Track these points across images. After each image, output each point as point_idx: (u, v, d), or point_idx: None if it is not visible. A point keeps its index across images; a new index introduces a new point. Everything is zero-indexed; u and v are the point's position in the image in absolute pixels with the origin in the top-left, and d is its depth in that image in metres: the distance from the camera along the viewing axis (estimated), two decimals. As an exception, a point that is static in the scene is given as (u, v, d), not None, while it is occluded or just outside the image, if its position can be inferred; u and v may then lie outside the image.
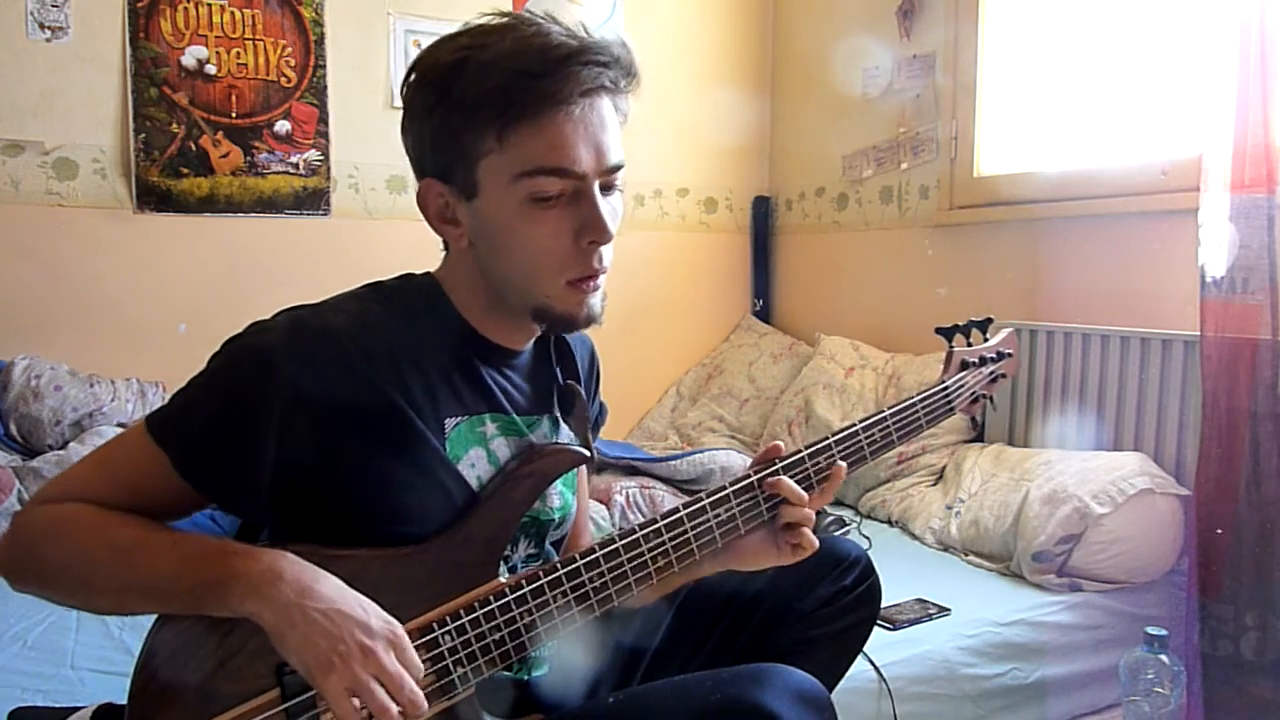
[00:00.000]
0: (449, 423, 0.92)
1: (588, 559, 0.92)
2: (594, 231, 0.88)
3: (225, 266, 2.56)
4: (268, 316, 0.89)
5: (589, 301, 0.92)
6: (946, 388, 1.16)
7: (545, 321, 0.94)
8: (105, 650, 1.50)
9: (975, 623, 1.70)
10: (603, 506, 2.17)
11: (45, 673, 1.42)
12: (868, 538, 2.18)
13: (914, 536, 2.20)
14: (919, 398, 1.12)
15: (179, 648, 0.81)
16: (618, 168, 0.90)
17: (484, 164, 0.87)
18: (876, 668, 1.52)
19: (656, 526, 0.95)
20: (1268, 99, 1.67)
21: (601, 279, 0.93)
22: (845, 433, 1.06)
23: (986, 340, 1.24)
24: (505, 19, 0.88)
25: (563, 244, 0.88)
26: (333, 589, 0.80)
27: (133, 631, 1.55)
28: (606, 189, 0.90)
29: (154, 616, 0.85)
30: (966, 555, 2.05)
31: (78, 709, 1.09)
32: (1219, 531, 1.75)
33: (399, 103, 0.93)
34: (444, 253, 0.99)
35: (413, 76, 0.89)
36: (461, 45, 0.86)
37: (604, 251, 0.91)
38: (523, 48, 0.84)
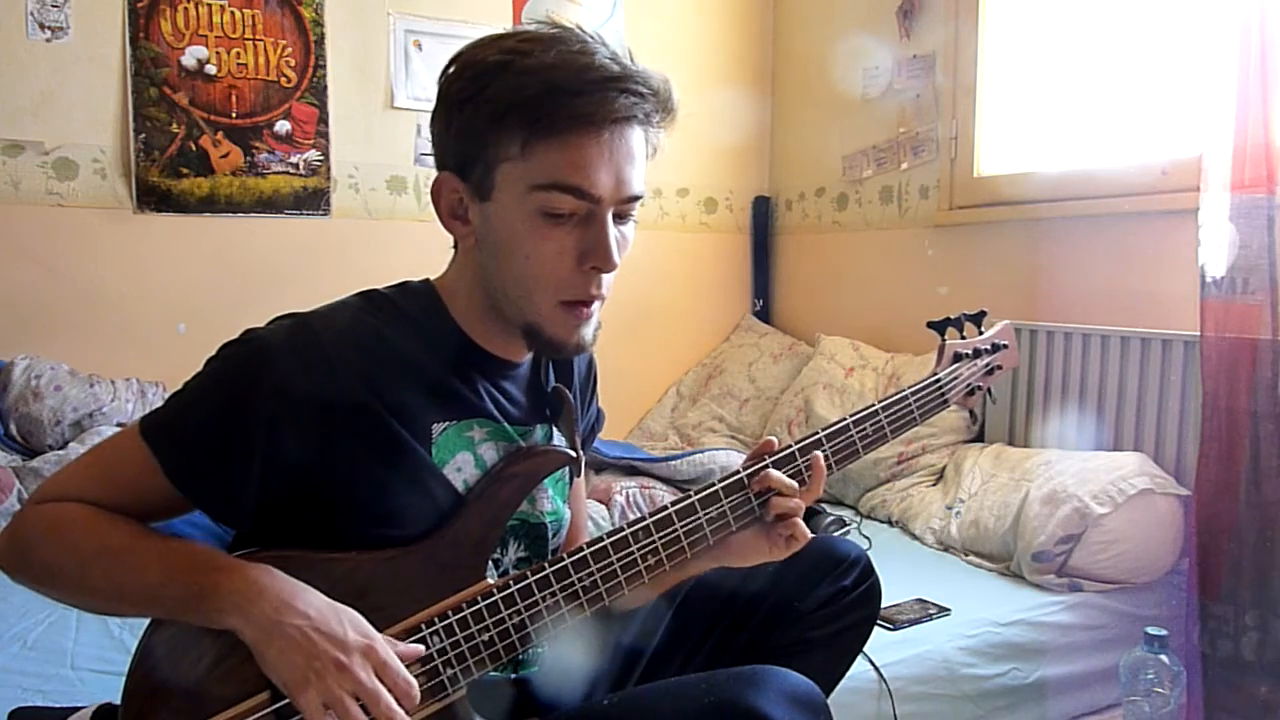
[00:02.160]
0: (436, 428, 0.92)
1: (576, 559, 0.92)
2: (598, 257, 0.88)
3: (225, 266, 2.56)
4: (263, 323, 0.90)
5: (581, 329, 0.92)
6: (939, 380, 1.15)
7: (534, 342, 0.94)
8: (105, 650, 1.50)
9: (975, 623, 1.70)
10: (602, 506, 2.17)
11: (45, 673, 1.42)
12: (868, 538, 2.18)
13: (914, 536, 2.20)
14: (910, 390, 1.12)
15: (173, 649, 0.82)
16: (635, 199, 0.89)
17: (503, 169, 0.87)
18: (876, 668, 1.52)
19: (645, 525, 0.95)
20: (1268, 99, 1.67)
21: (596, 306, 0.92)
22: (836, 427, 1.05)
23: (981, 333, 1.23)
24: (555, 30, 0.87)
25: (564, 264, 0.88)
26: (312, 604, 0.81)
27: (132, 631, 1.55)
28: (620, 217, 0.90)
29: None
30: (966, 555, 2.05)
31: (78, 709, 1.09)
32: (1219, 531, 1.75)
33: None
34: (452, 255, 0.98)
35: (452, 68, 0.89)
36: (506, 48, 0.86)
37: (604, 279, 0.90)
38: (564, 62, 0.84)
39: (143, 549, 0.84)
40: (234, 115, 2.55)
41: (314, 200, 2.66)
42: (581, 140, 0.84)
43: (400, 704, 0.80)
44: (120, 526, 0.85)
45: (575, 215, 0.87)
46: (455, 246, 0.97)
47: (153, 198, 2.48)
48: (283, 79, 2.60)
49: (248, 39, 2.55)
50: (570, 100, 0.83)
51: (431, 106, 0.92)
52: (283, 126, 2.61)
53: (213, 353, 0.89)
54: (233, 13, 2.53)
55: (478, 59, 0.87)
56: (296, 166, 2.63)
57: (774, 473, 0.99)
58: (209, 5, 2.50)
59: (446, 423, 0.93)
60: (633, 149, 0.88)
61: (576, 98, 0.83)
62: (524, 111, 0.84)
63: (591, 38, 0.87)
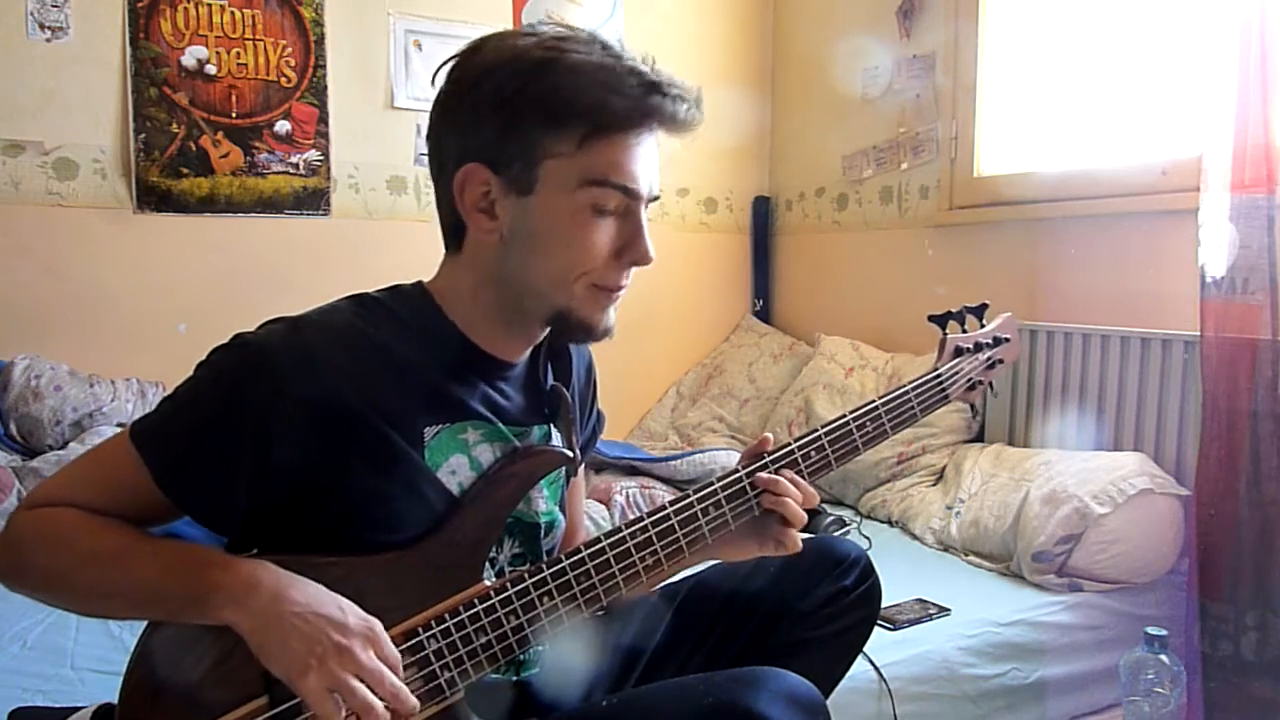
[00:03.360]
0: (428, 431, 0.92)
1: (573, 560, 0.92)
2: (637, 252, 0.91)
3: (225, 266, 2.56)
4: (258, 325, 0.90)
5: (608, 311, 0.94)
6: (940, 374, 1.15)
7: (562, 328, 0.95)
8: (105, 650, 1.50)
9: (975, 623, 1.70)
10: (602, 506, 2.17)
11: (45, 673, 1.42)
12: (868, 538, 2.18)
13: (914, 536, 2.20)
14: (911, 386, 1.12)
15: (170, 652, 0.82)
16: (656, 198, 0.93)
17: (550, 164, 0.87)
18: (876, 668, 1.52)
19: (643, 525, 0.95)
20: (1268, 99, 1.67)
21: (622, 292, 0.94)
22: (836, 424, 1.05)
23: (983, 326, 1.23)
24: (578, 30, 0.89)
25: (604, 255, 0.90)
26: (308, 593, 0.81)
27: (132, 631, 1.53)
28: None
29: (149, 616, 0.85)
30: (966, 555, 2.05)
31: (78, 709, 1.09)
32: (1219, 531, 1.75)
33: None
34: (447, 256, 0.97)
35: (481, 61, 0.88)
36: (546, 44, 0.86)
37: (631, 271, 0.94)
38: (613, 63, 0.86)
39: (137, 551, 0.84)
40: (234, 115, 2.55)
41: (314, 200, 2.66)
42: (633, 139, 0.88)
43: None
44: (113, 529, 0.85)
45: (617, 210, 0.90)
46: (450, 249, 0.96)
47: (153, 198, 2.47)
48: (283, 79, 2.60)
49: (248, 39, 2.55)
50: (628, 101, 0.86)
51: (441, 103, 0.91)
52: (283, 126, 2.61)
53: (202, 358, 0.88)
54: (233, 13, 2.53)
55: (519, 54, 0.86)
56: (296, 166, 2.63)
57: (777, 479, 0.99)
58: (209, 5, 2.50)
59: (439, 426, 0.92)
60: (659, 151, 0.92)
61: (632, 99, 0.86)
62: (584, 110, 0.85)
63: (621, 48, 0.90)
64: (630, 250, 0.91)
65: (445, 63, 0.91)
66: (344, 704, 0.77)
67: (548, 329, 0.97)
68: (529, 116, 0.86)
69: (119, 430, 0.90)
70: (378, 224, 2.73)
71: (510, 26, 2.94)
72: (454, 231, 0.95)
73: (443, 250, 0.98)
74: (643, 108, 0.87)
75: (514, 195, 0.89)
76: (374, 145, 2.71)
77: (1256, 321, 1.70)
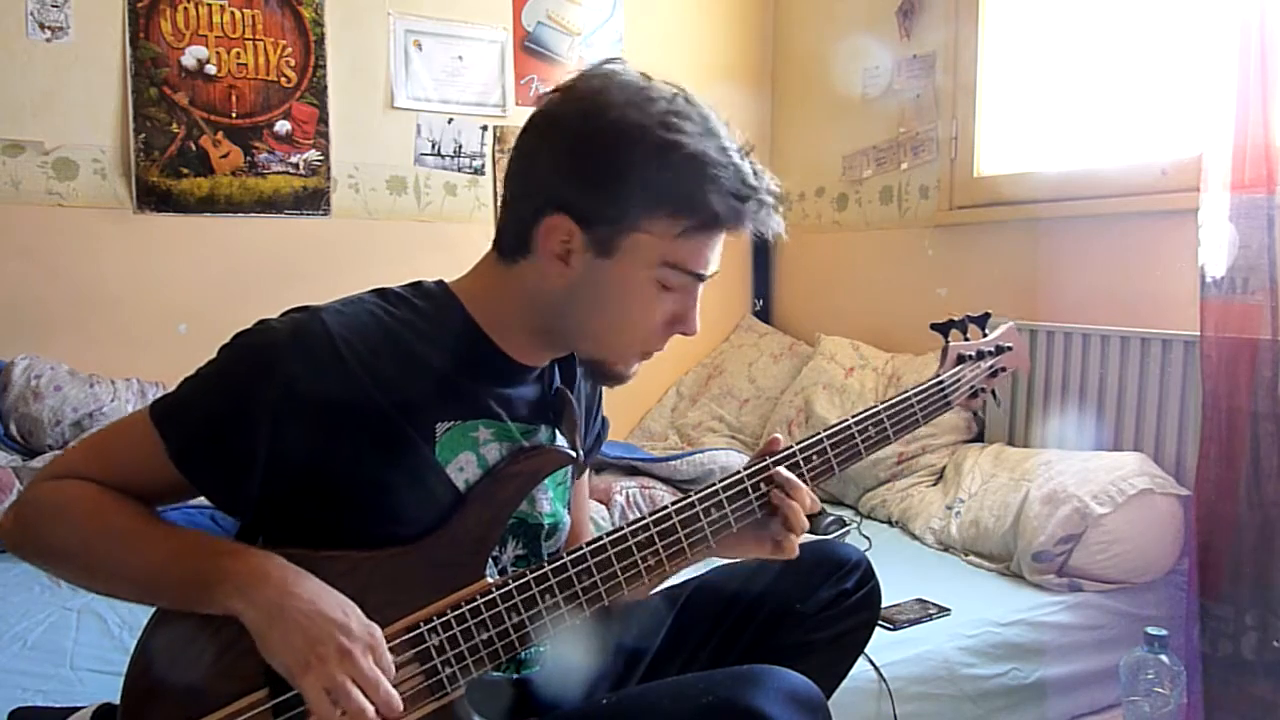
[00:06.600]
0: (440, 427, 0.92)
1: (575, 558, 0.92)
2: (687, 325, 0.95)
3: (225, 266, 2.56)
4: (274, 315, 0.90)
5: (638, 366, 0.98)
6: (942, 382, 1.15)
7: (594, 373, 0.99)
8: (105, 650, 1.50)
9: (975, 623, 1.70)
10: (603, 506, 2.17)
11: (45, 673, 1.42)
12: (868, 538, 2.18)
13: (914, 536, 2.20)
14: (913, 392, 1.12)
15: (172, 646, 0.83)
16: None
17: (637, 237, 0.88)
18: (876, 668, 1.52)
19: (645, 525, 0.95)
20: (1268, 99, 1.67)
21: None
22: (839, 428, 1.05)
23: (985, 335, 1.23)
24: (688, 101, 0.89)
25: (658, 324, 0.94)
26: (315, 590, 0.81)
27: (132, 632, 1.54)
28: None
29: (150, 614, 0.86)
30: (966, 555, 2.05)
31: (78, 709, 1.09)
32: (1219, 531, 1.75)
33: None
34: (494, 261, 0.96)
35: (600, 118, 0.87)
36: (668, 123, 0.86)
37: None
38: (723, 160, 0.87)
39: (147, 533, 0.85)
40: (234, 115, 2.55)
41: (314, 200, 2.66)
42: (720, 236, 0.91)
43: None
44: (126, 508, 0.86)
45: (678, 287, 0.92)
46: (503, 257, 0.95)
47: (153, 198, 2.47)
48: (283, 79, 2.60)
49: (248, 39, 2.55)
50: (731, 205, 0.88)
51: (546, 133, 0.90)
52: (283, 126, 2.61)
53: (225, 340, 0.89)
54: (233, 13, 2.53)
55: (632, 122, 0.86)
56: (296, 166, 2.63)
57: (780, 470, 1.00)
58: (209, 5, 2.50)
59: (451, 422, 0.93)
60: None
61: (735, 204, 0.88)
62: (692, 206, 0.87)
63: (719, 124, 0.90)
64: (680, 323, 0.94)
65: (557, 91, 0.91)
66: (339, 705, 0.78)
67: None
68: (637, 194, 0.87)
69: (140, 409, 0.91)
70: (378, 224, 2.73)
71: (511, 26, 2.95)
72: (516, 248, 0.94)
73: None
74: (742, 212, 0.89)
75: (592, 254, 0.90)
76: (374, 145, 2.71)
77: (1256, 321, 1.71)
